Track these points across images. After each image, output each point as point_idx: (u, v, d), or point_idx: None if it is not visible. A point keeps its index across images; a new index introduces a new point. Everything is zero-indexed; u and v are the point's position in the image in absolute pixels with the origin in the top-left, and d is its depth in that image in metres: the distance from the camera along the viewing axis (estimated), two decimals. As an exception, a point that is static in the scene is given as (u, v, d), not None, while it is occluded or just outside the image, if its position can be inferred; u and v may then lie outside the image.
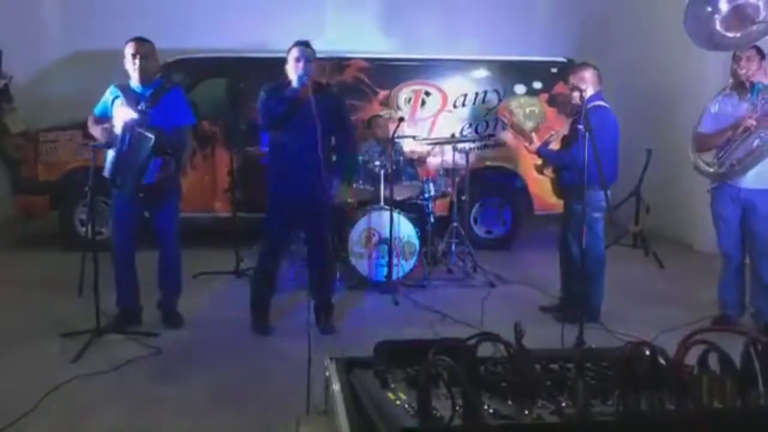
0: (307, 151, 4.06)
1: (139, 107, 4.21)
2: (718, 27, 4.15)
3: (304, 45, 4.28)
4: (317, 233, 4.53)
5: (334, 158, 4.56)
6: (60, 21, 8.25)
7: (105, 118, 4.33)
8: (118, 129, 4.19)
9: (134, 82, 4.34)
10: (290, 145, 4.28)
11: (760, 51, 4.27)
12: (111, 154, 4.22)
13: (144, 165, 4.13)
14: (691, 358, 1.38)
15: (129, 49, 4.29)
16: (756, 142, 4.25)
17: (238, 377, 3.81)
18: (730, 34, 4.15)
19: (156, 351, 4.12)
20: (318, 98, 4.10)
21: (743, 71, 4.30)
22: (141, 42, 4.32)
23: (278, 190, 4.42)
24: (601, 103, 4.52)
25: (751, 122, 4.22)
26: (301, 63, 4.19)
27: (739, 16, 4.10)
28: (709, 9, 4.17)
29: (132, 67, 4.29)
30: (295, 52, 4.24)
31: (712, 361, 1.37)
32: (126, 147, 4.14)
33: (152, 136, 4.06)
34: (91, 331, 4.19)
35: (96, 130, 4.27)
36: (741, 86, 4.36)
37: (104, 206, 6.19)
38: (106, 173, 4.26)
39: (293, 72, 4.23)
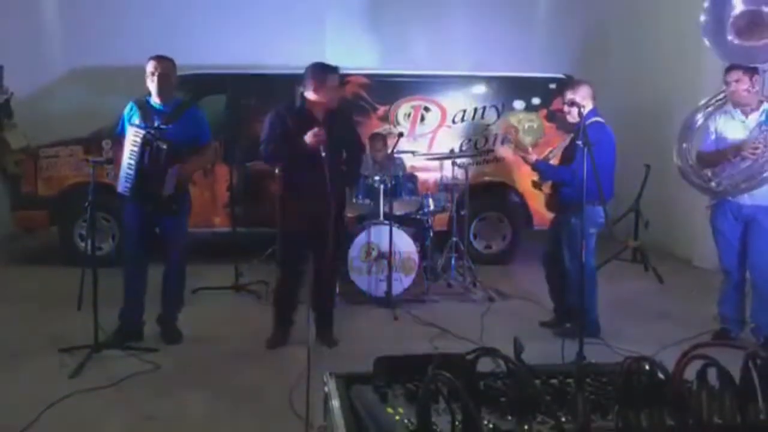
0: (320, 180, 4.14)
1: (156, 124, 4.28)
2: (730, 36, 4.16)
3: (335, 71, 4.32)
4: (326, 251, 4.51)
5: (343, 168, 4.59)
6: (61, 37, 8.30)
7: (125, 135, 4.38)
8: (128, 147, 4.24)
9: (154, 98, 4.39)
10: (303, 172, 4.30)
11: (747, 70, 4.28)
12: (127, 170, 4.25)
13: (161, 176, 4.21)
14: (691, 374, 1.38)
15: (150, 67, 4.35)
16: (761, 167, 4.24)
17: (236, 393, 3.79)
18: (746, 44, 4.15)
19: (155, 367, 4.10)
20: (331, 121, 4.22)
21: (743, 92, 4.29)
22: (161, 60, 4.37)
23: (295, 213, 4.38)
24: (599, 118, 4.54)
25: (758, 150, 4.20)
26: (328, 93, 4.26)
27: (754, 23, 4.09)
28: (718, 18, 4.17)
29: (152, 85, 4.35)
30: (332, 80, 4.28)
31: (712, 376, 1.37)
32: (147, 161, 4.20)
33: (165, 146, 4.18)
34: (90, 347, 4.18)
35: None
36: (744, 106, 4.36)
37: (104, 222, 6.22)
38: (123, 190, 4.30)
39: (314, 96, 4.27)
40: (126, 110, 4.42)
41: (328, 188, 4.07)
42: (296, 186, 4.38)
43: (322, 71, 4.30)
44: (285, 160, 4.36)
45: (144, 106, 4.38)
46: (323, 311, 4.62)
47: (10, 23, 7.85)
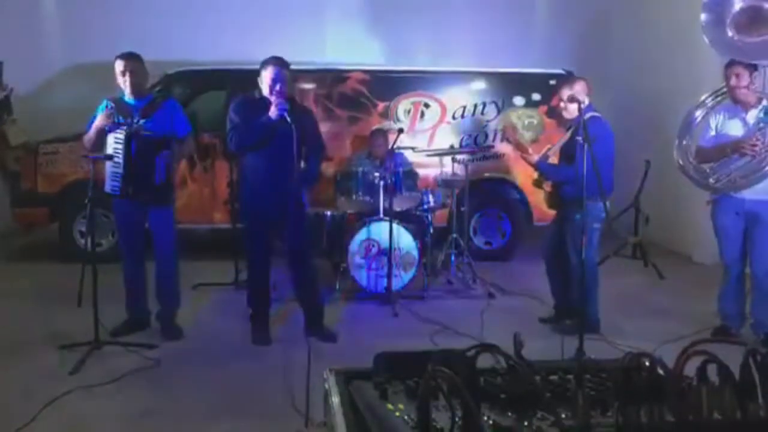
0: (282, 168, 4.19)
1: (136, 120, 4.32)
2: (730, 32, 4.14)
3: (280, 64, 4.31)
4: (299, 243, 4.54)
5: (302, 165, 4.57)
6: (60, 33, 8.29)
7: None
8: (111, 145, 4.27)
9: (127, 95, 4.43)
10: (266, 162, 4.32)
11: (748, 66, 4.26)
12: (113, 168, 4.28)
13: (151, 165, 4.25)
14: (691, 370, 1.38)
15: (118, 67, 4.38)
16: (759, 163, 4.22)
17: (236, 389, 3.79)
18: (747, 39, 4.14)
19: (155, 363, 4.11)
20: (292, 116, 4.20)
21: (743, 88, 4.29)
22: (129, 58, 4.40)
23: (256, 207, 4.43)
24: (596, 113, 4.55)
25: (756, 147, 4.19)
26: (279, 86, 4.25)
27: (754, 19, 4.07)
28: (718, 14, 4.16)
29: (123, 83, 4.39)
30: (271, 73, 4.27)
31: (712, 372, 1.37)
32: (135, 154, 4.24)
33: (150, 134, 4.27)
34: (90, 343, 4.18)
35: (91, 135, 4.33)
36: (743, 101, 4.35)
37: (104, 218, 6.22)
38: (111, 189, 4.32)
39: (267, 90, 4.29)
40: (99, 108, 4.41)
41: (293, 170, 4.07)
42: (263, 178, 4.36)
43: (267, 65, 4.31)
44: (255, 141, 4.29)
45: (119, 104, 4.40)
46: (310, 306, 4.64)
47: (10, 19, 7.84)
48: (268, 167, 4.32)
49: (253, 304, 4.61)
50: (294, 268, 4.61)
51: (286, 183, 4.22)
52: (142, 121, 4.32)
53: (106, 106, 4.35)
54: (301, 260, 4.59)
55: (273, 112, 4.20)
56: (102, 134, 4.31)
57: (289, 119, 4.15)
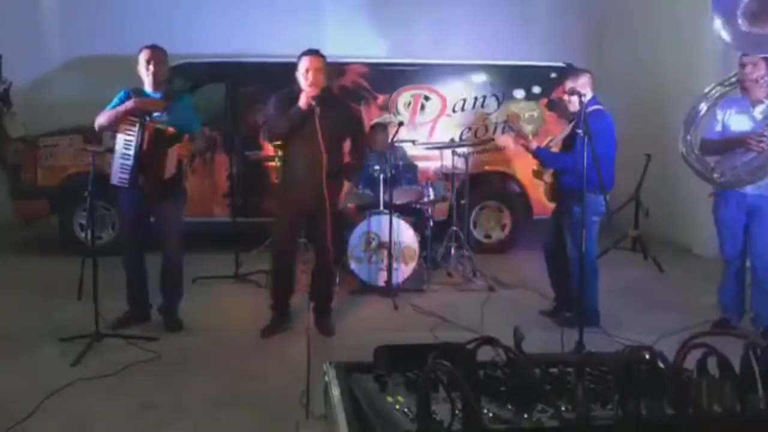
0: (315, 159, 4.18)
1: (156, 113, 4.31)
2: (740, 23, 4.10)
3: (313, 54, 4.32)
4: (321, 237, 4.54)
5: (345, 161, 4.61)
6: (60, 26, 8.26)
7: None
8: (122, 137, 4.24)
9: (147, 87, 4.42)
10: (299, 153, 4.34)
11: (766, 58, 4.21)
12: (121, 160, 4.26)
13: (162, 158, 4.25)
14: (691, 363, 1.39)
15: (143, 56, 4.38)
16: (765, 159, 4.19)
17: (237, 381, 3.80)
18: (760, 31, 4.09)
19: (155, 355, 4.11)
20: (327, 107, 4.21)
21: (753, 80, 4.23)
22: (155, 49, 4.42)
23: (289, 197, 4.45)
24: (599, 107, 4.53)
25: (763, 142, 4.15)
26: (311, 75, 4.24)
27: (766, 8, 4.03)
28: (728, 8, 4.12)
29: (146, 73, 4.38)
30: (305, 63, 4.28)
31: (712, 365, 1.37)
32: (146, 146, 4.23)
33: (162, 127, 4.24)
34: (91, 336, 4.19)
35: (111, 115, 4.28)
36: (752, 94, 4.31)
37: (104, 211, 6.22)
38: (119, 181, 4.29)
39: (302, 80, 4.29)
40: (116, 98, 4.39)
41: (323, 162, 4.06)
42: (293, 169, 4.39)
43: (302, 55, 4.33)
44: (283, 131, 4.33)
45: (139, 95, 4.39)
46: (321, 300, 4.64)
47: (10, 12, 7.81)
48: (298, 157, 4.35)
49: (276, 293, 4.63)
50: (317, 260, 4.62)
51: (317, 173, 4.19)
52: (156, 114, 4.31)
53: (128, 94, 4.34)
54: (322, 252, 4.57)
55: (302, 101, 4.22)
56: (120, 120, 4.26)
57: (315, 104, 4.14)
